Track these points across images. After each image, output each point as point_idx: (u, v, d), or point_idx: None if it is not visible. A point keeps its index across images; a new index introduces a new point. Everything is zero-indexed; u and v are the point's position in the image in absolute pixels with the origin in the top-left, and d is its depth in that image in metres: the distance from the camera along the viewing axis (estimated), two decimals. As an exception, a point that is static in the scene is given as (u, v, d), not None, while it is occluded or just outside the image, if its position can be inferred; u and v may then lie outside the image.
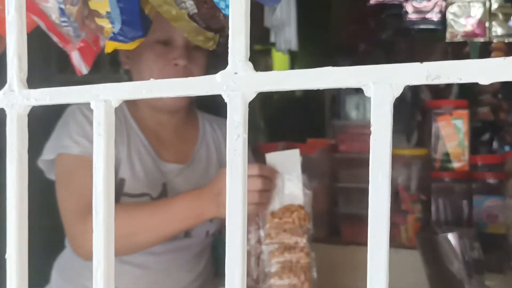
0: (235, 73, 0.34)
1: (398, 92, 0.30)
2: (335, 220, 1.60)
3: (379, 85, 0.30)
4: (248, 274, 1.05)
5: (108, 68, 2.14)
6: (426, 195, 1.45)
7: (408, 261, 1.42)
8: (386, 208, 0.30)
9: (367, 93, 0.31)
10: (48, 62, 2.17)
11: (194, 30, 0.80)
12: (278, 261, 0.98)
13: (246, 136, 0.35)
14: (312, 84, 0.32)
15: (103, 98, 0.39)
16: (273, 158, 1.05)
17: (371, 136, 0.31)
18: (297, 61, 3.35)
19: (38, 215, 1.63)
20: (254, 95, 0.34)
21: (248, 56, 0.34)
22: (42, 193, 1.23)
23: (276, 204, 1.02)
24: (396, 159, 1.52)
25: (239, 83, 0.34)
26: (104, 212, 0.40)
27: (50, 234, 1.33)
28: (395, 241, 1.49)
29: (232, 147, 0.34)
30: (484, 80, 0.28)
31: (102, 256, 0.43)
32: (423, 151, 1.51)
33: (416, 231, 1.43)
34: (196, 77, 0.36)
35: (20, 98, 0.42)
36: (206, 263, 1.24)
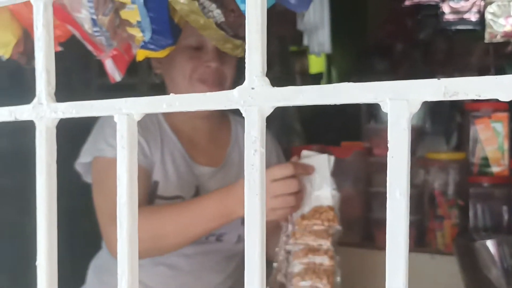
0: (252, 88, 0.34)
1: (415, 108, 0.30)
2: (369, 224, 1.57)
3: (395, 101, 0.30)
4: (280, 270, 1.04)
5: (144, 72, 2.18)
6: (464, 200, 1.41)
7: (444, 267, 1.39)
8: (404, 228, 0.29)
9: (384, 109, 0.31)
10: (87, 66, 2.23)
11: (222, 38, 0.80)
12: (302, 262, 0.98)
13: (263, 150, 0.35)
14: (329, 100, 0.32)
15: (126, 112, 0.39)
16: (308, 156, 1.05)
17: (388, 153, 0.30)
18: (332, 61, 3.32)
19: (76, 216, 1.68)
20: (271, 110, 0.34)
21: (265, 71, 0.34)
22: (81, 193, 1.27)
23: (305, 207, 1.01)
24: (432, 163, 1.49)
25: (256, 98, 0.34)
26: (128, 223, 0.41)
27: (88, 234, 1.36)
28: (430, 247, 1.46)
29: (250, 162, 0.35)
30: (504, 97, 0.27)
31: (126, 265, 0.44)
32: (460, 155, 1.47)
33: (453, 237, 1.39)
34: (215, 92, 0.36)
35: (48, 111, 0.43)
36: (237, 265, 1.25)
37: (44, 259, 0.45)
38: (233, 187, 1.01)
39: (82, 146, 1.19)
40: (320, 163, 1.02)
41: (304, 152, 1.06)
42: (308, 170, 1.02)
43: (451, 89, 0.29)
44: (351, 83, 0.32)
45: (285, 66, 2.68)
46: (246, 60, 0.34)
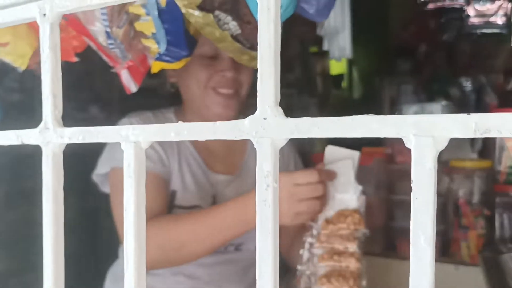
0: (264, 118, 0.32)
1: (442, 145, 0.27)
2: (392, 234, 1.54)
3: (420, 138, 0.27)
4: (305, 273, 1.02)
5: (163, 75, 2.17)
6: (490, 210, 1.37)
7: (469, 279, 1.34)
8: (429, 280, 0.27)
9: (407, 144, 0.28)
10: (108, 69, 2.23)
11: (239, 50, 0.78)
12: (327, 265, 0.95)
13: (277, 185, 0.32)
14: (347, 133, 0.30)
15: (133, 139, 0.37)
16: (333, 152, 1.02)
17: (412, 194, 0.28)
18: (354, 63, 3.28)
19: (98, 224, 1.68)
20: (285, 142, 0.32)
21: (279, 101, 0.32)
22: (98, 201, 1.27)
23: (329, 211, 0.98)
24: (457, 171, 1.45)
25: (268, 129, 0.32)
26: (135, 255, 0.39)
27: (106, 242, 1.36)
28: (455, 257, 1.42)
29: (262, 197, 0.32)
30: (543, 138, 0.24)
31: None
32: (486, 163, 1.42)
33: (479, 248, 1.35)
34: (225, 122, 0.34)
35: (55, 136, 0.42)
36: (256, 275, 1.23)
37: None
38: (250, 195, 0.99)
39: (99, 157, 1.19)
40: (345, 167, 0.99)
41: (329, 148, 1.03)
42: (331, 176, 1.00)
43: (482, 126, 0.26)
44: (371, 116, 0.29)
45: (305, 67, 2.64)
46: (258, 89, 0.32)
